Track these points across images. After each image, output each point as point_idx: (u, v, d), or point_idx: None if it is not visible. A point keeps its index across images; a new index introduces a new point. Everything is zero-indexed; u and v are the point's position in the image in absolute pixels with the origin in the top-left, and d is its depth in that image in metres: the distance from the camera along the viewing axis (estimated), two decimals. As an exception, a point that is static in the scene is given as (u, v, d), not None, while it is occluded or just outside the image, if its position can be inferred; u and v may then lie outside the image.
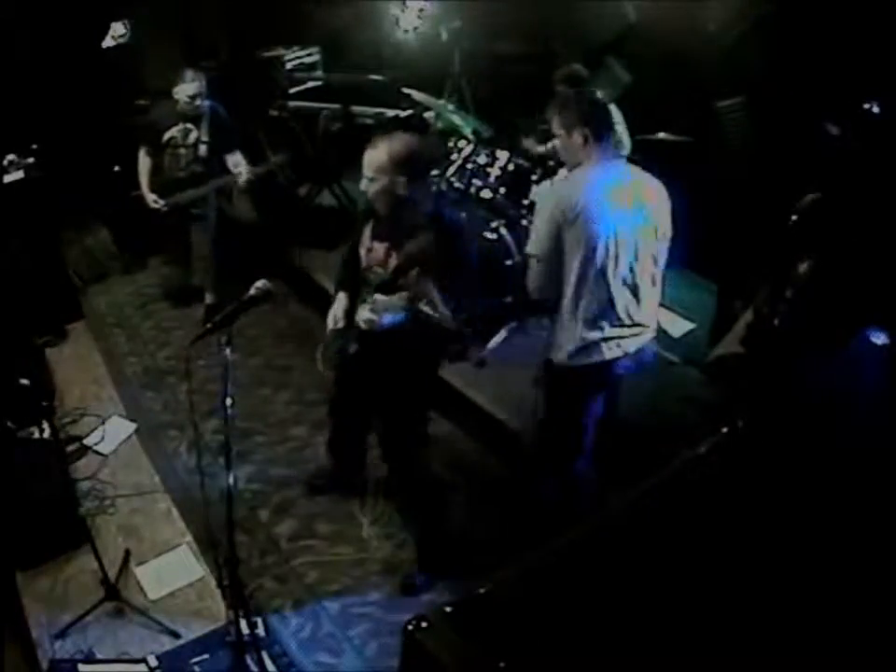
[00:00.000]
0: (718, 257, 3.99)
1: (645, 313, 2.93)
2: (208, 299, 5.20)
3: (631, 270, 2.82)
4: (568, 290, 2.83)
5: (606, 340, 2.86)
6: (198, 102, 4.63)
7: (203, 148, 4.74)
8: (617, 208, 2.74)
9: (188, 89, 4.58)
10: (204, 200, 4.88)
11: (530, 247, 2.89)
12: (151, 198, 4.82)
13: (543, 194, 2.90)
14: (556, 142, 2.92)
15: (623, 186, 2.79)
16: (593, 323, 2.83)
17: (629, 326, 2.88)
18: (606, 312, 2.83)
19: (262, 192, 6.15)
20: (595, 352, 2.87)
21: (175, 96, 4.63)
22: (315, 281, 5.42)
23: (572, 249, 2.75)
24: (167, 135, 4.77)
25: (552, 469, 3.27)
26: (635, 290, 2.86)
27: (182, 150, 4.79)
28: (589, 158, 2.80)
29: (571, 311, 2.85)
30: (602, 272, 2.76)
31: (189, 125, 4.74)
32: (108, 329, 5.29)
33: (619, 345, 2.88)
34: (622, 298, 2.83)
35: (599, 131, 2.78)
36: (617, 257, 2.76)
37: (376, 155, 2.73)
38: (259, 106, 6.16)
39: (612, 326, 2.85)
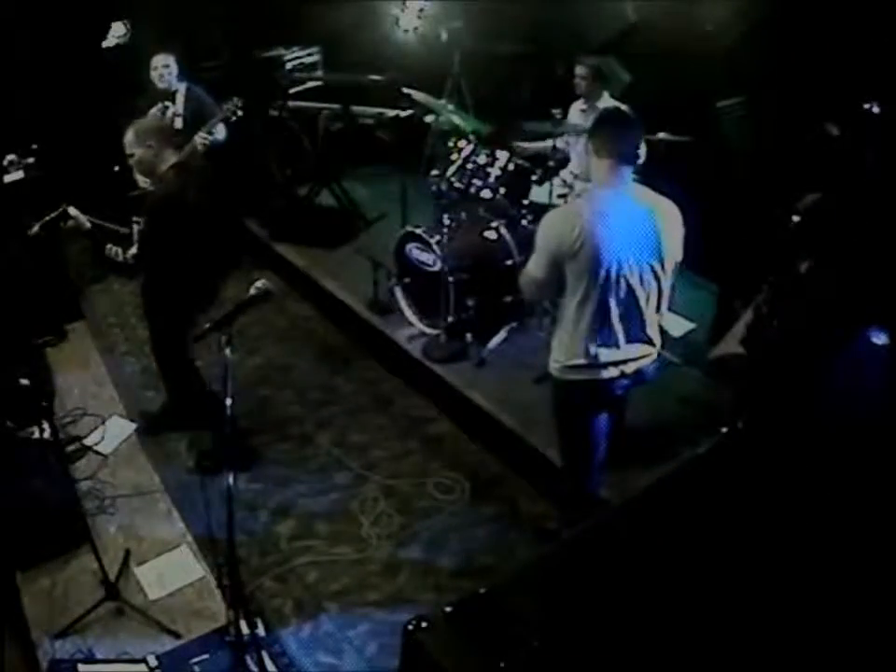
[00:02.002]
0: (718, 257, 3.99)
1: (648, 338, 2.88)
2: None
3: (635, 297, 2.76)
4: (569, 313, 2.79)
5: (604, 363, 2.81)
6: (163, 72, 4.89)
7: (178, 121, 4.92)
8: (622, 236, 2.67)
9: (155, 60, 4.88)
10: None
11: (529, 266, 2.83)
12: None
13: (545, 221, 2.80)
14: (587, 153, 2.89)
15: (633, 211, 2.71)
16: (593, 347, 2.78)
17: (631, 350, 2.84)
18: (606, 337, 2.78)
19: (259, 190, 6.17)
20: (593, 372, 2.83)
21: (151, 74, 4.89)
22: (315, 281, 5.43)
23: (575, 277, 2.71)
24: (149, 115, 4.90)
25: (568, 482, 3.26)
26: (638, 317, 2.81)
27: None
28: (602, 180, 2.75)
29: (571, 332, 2.81)
30: (604, 300, 2.71)
31: (168, 102, 4.95)
32: (108, 328, 5.29)
33: (616, 367, 2.83)
34: (623, 325, 2.78)
35: (623, 157, 2.71)
36: (620, 285, 2.70)
37: (127, 135, 3.51)
38: (258, 106, 6.16)
39: (613, 350, 2.80)
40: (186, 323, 3.77)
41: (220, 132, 4.89)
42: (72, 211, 3.61)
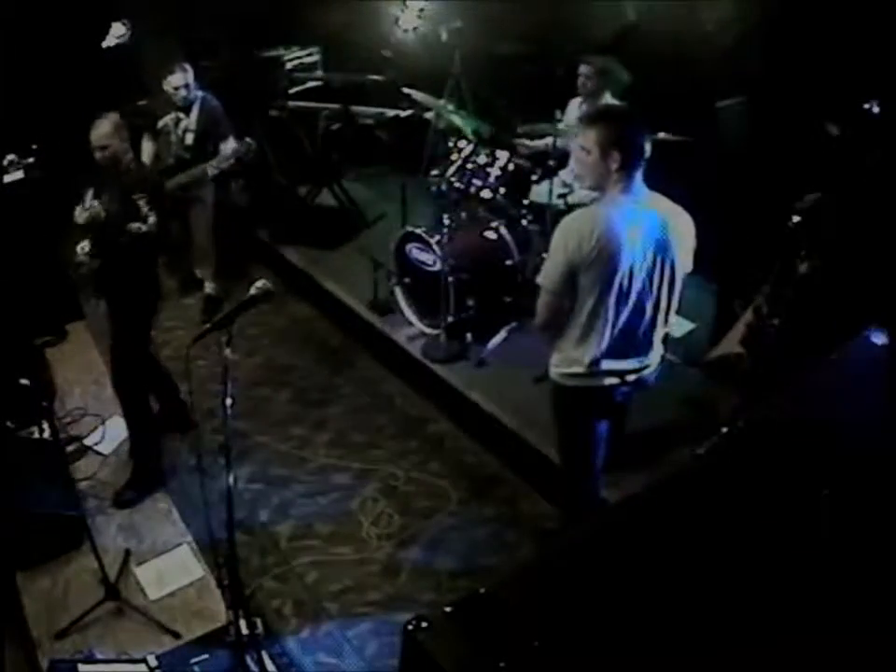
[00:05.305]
0: (718, 257, 3.98)
1: (653, 348, 2.85)
2: (207, 288, 5.28)
3: (644, 307, 2.72)
4: (578, 322, 2.72)
5: (608, 371, 2.78)
6: (184, 92, 4.84)
7: (189, 136, 4.91)
8: (638, 243, 2.60)
9: (173, 80, 4.82)
10: (199, 185, 4.97)
11: (541, 278, 2.72)
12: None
13: (563, 225, 2.69)
14: (579, 155, 2.70)
15: (646, 219, 2.64)
16: (600, 356, 2.74)
17: (635, 360, 2.81)
18: (614, 347, 2.73)
19: (260, 190, 6.17)
20: (595, 379, 2.79)
21: (165, 87, 4.84)
22: (315, 281, 5.43)
23: (589, 285, 2.63)
24: (160, 123, 4.97)
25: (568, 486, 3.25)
26: (646, 326, 2.77)
27: (173, 138, 4.97)
28: (615, 185, 2.64)
29: (579, 341, 2.75)
30: (616, 308, 2.66)
31: (181, 114, 4.93)
32: (108, 329, 5.28)
33: (618, 375, 2.80)
34: (633, 335, 2.75)
35: (633, 159, 2.59)
36: (632, 293, 2.66)
37: (103, 127, 3.56)
38: (258, 106, 6.16)
39: (619, 360, 2.77)
40: (146, 323, 3.85)
41: (228, 162, 4.91)
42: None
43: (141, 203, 3.53)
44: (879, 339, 2.26)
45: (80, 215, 3.63)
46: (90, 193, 3.69)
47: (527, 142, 5.01)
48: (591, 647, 1.42)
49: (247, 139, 4.91)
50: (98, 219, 3.58)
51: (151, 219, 3.53)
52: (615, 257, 2.58)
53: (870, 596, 1.53)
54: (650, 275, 2.69)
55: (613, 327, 2.70)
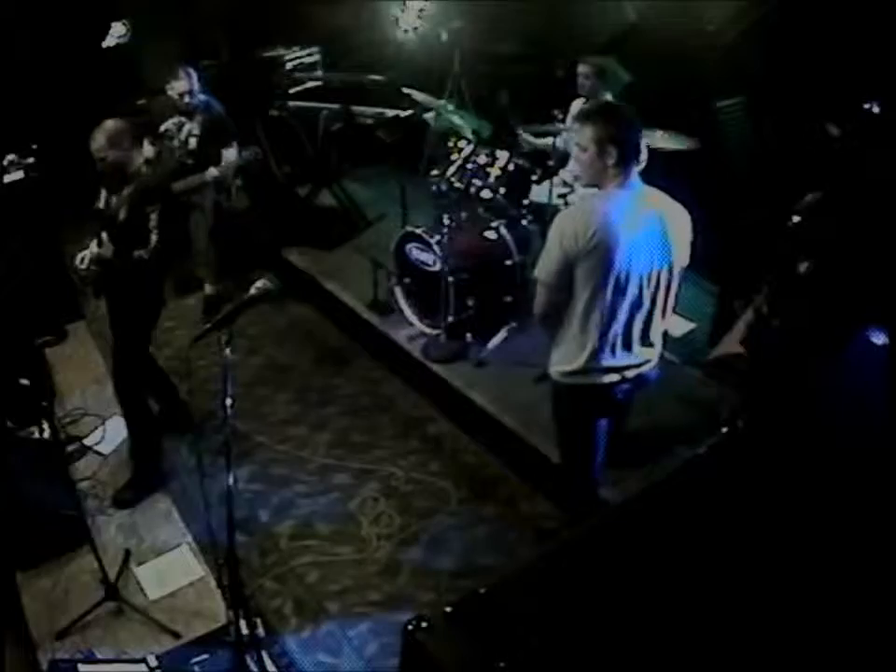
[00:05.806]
0: (718, 257, 3.99)
1: (651, 343, 2.85)
2: (207, 289, 5.30)
3: (642, 302, 2.72)
4: (575, 318, 2.73)
5: (607, 368, 2.78)
6: (187, 99, 4.83)
7: (192, 141, 4.91)
8: (634, 237, 2.61)
9: (178, 86, 4.80)
10: (200, 191, 4.97)
11: (538, 272, 2.73)
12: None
13: (559, 220, 2.70)
14: (576, 153, 2.73)
15: (643, 214, 2.65)
16: (598, 352, 2.74)
17: (634, 356, 2.81)
18: (612, 342, 2.74)
19: (260, 190, 6.17)
20: (594, 376, 2.79)
21: (169, 93, 4.84)
22: (315, 281, 5.43)
23: (584, 279, 2.64)
24: (162, 127, 4.97)
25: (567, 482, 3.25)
26: (645, 322, 2.77)
27: (175, 143, 4.97)
28: (611, 180, 2.65)
29: (576, 337, 2.75)
30: (612, 303, 2.66)
31: (184, 118, 4.93)
32: (108, 328, 5.28)
33: (618, 372, 2.80)
34: (630, 329, 2.75)
35: (629, 154, 2.60)
36: (629, 288, 2.66)
37: (97, 139, 3.48)
38: (258, 106, 6.16)
39: (617, 356, 2.77)
40: (147, 329, 3.82)
41: (231, 169, 4.95)
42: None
43: (153, 216, 3.47)
44: (879, 339, 2.26)
45: (87, 255, 3.64)
46: (103, 193, 3.67)
47: (531, 137, 5.01)
48: (590, 647, 1.42)
49: (253, 147, 4.92)
50: (105, 257, 3.56)
51: (153, 239, 3.47)
52: (612, 249, 2.59)
53: (870, 596, 1.54)
54: (648, 269, 2.69)
55: (611, 320, 2.71)
